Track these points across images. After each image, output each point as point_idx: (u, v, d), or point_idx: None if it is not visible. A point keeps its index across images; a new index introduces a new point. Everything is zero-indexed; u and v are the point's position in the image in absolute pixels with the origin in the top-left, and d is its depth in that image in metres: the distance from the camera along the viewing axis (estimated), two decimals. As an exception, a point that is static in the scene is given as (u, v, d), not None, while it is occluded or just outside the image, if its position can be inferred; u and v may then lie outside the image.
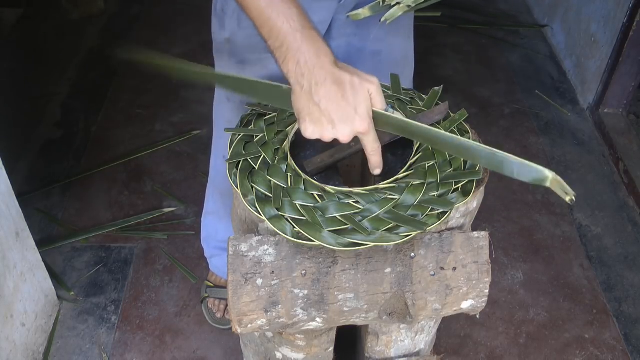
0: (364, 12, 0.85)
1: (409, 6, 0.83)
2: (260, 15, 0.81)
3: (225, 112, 1.32)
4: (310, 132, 0.81)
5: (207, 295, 1.65)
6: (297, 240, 0.82)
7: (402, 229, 0.82)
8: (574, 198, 0.69)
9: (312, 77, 0.78)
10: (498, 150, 0.74)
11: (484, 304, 0.94)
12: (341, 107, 0.78)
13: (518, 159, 0.73)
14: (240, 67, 1.18)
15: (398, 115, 0.85)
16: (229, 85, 1.01)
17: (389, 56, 1.20)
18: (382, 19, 0.86)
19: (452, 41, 2.81)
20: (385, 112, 0.82)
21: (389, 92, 1.06)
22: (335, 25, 1.12)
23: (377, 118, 0.82)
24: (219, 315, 1.63)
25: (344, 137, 0.80)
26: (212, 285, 1.66)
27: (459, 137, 0.80)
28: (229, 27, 1.15)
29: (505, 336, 1.65)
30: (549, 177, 0.70)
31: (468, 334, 1.65)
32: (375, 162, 0.88)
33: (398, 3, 0.83)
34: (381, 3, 0.84)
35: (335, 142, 1.02)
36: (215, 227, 1.56)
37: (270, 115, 0.99)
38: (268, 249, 0.86)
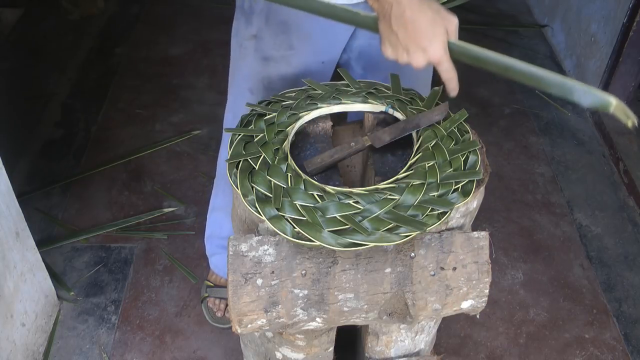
0: None
1: None
2: None
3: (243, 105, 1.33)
4: (388, 53, 0.88)
5: (207, 295, 1.65)
6: (297, 241, 0.82)
7: (402, 229, 0.82)
8: (635, 122, 0.74)
9: (396, 7, 0.84)
10: (567, 79, 0.79)
11: (484, 304, 0.94)
12: (417, 39, 0.84)
13: (585, 86, 0.77)
14: (264, 63, 1.22)
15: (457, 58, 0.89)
16: (303, 5, 1.00)
17: None
18: None
19: (452, 41, 2.80)
20: (461, 43, 0.87)
21: (388, 92, 1.06)
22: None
23: (452, 49, 0.87)
24: (219, 314, 1.63)
25: (417, 64, 0.86)
26: (212, 285, 1.66)
27: (532, 65, 0.83)
28: (257, 24, 1.18)
29: (505, 336, 1.65)
30: (613, 103, 0.74)
31: (468, 334, 1.65)
32: (452, 87, 0.91)
33: None
34: None
35: (335, 143, 1.02)
36: (220, 223, 1.56)
37: (270, 115, 0.99)
38: (268, 249, 0.86)
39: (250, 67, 1.25)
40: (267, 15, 1.16)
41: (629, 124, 0.74)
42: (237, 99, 1.34)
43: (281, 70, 1.22)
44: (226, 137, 1.42)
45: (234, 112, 1.37)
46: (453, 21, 0.87)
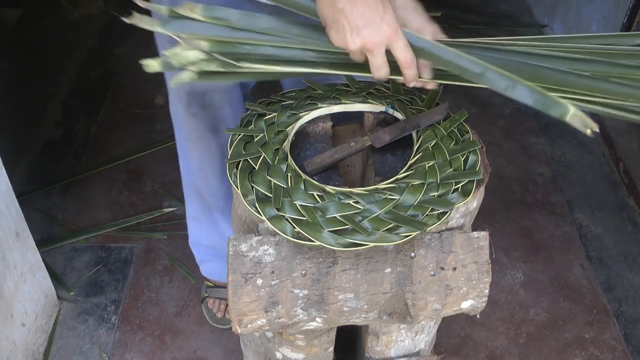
0: (153, 64, 0.78)
1: (199, 73, 0.79)
2: None
3: (180, 113, 1.29)
4: (336, 40, 0.78)
5: (207, 295, 1.65)
6: (297, 241, 0.82)
7: (402, 229, 0.82)
8: (596, 129, 0.68)
9: None
10: (525, 83, 0.74)
11: (484, 304, 0.94)
12: (366, 13, 0.74)
13: (543, 91, 0.72)
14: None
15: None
16: None
17: None
18: (172, 84, 0.83)
19: (452, 41, 2.80)
20: (409, 32, 0.78)
21: (388, 92, 1.06)
22: None
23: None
24: (219, 315, 1.63)
25: (371, 44, 0.76)
26: (212, 285, 1.65)
27: (490, 66, 0.76)
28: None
29: (505, 336, 1.65)
30: (570, 111, 0.69)
31: (468, 334, 1.65)
32: (411, 75, 0.81)
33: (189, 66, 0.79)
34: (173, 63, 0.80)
35: (335, 143, 1.02)
36: (198, 232, 1.55)
37: (270, 115, 0.99)
38: (268, 249, 0.86)
39: (173, 73, 1.21)
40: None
41: (588, 133, 0.69)
42: (173, 109, 1.31)
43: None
44: (181, 148, 1.39)
45: (175, 125, 1.34)
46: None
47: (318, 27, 0.81)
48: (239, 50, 0.79)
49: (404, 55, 0.78)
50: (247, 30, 0.79)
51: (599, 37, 0.84)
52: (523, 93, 0.74)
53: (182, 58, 0.78)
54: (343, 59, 0.83)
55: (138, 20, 0.75)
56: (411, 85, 0.84)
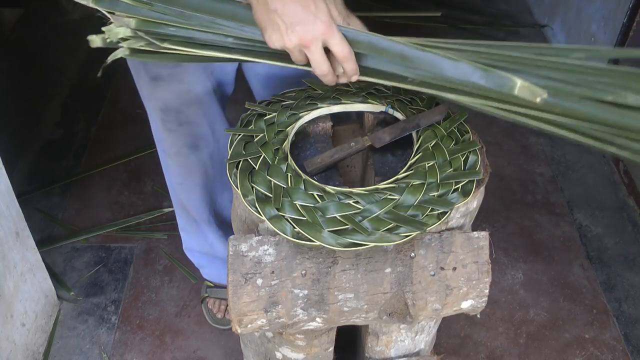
0: (95, 39, 0.84)
1: (131, 50, 0.84)
2: None
3: (158, 128, 1.28)
4: (273, 41, 0.78)
5: (207, 295, 1.65)
6: (297, 241, 0.82)
7: (402, 229, 0.82)
8: (545, 95, 0.69)
9: None
10: (466, 61, 0.74)
11: (484, 304, 0.94)
12: (298, 11, 0.76)
13: (486, 68, 0.72)
14: (154, 83, 1.15)
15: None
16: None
17: None
18: (108, 60, 0.86)
19: (452, 41, 2.80)
20: (344, 26, 0.79)
21: (388, 92, 1.06)
22: None
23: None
24: (219, 315, 1.63)
25: (307, 40, 0.77)
26: (212, 285, 1.65)
27: (430, 51, 0.76)
28: None
29: (505, 336, 1.65)
30: (517, 84, 0.69)
31: (468, 334, 1.65)
32: (351, 69, 0.81)
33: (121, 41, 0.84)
34: (107, 39, 0.85)
35: (335, 143, 1.02)
36: (189, 241, 1.56)
37: (270, 115, 0.99)
38: (268, 249, 0.86)
39: (146, 89, 1.19)
40: None
41: (537, 101, 0.69)
42: (152, 124, 1.30)
43: (175, 90, 1.14)
44: (162, 162, 1.37)
45: (155, 139, 1.33)
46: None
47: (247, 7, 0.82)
48: (163, 30, 0.83)
49: (341, 49, 0.78)
50: (176, 13, 0.83)
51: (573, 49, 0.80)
52: (467, 71, 0.74)
53: (113, 34, 0.83)
54: (263, 47, 0.84)
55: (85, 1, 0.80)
56: (354, 79, 0.83)
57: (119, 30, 0.83)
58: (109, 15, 0.82)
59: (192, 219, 1.45)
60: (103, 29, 0.83)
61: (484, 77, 0.73)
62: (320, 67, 0.81)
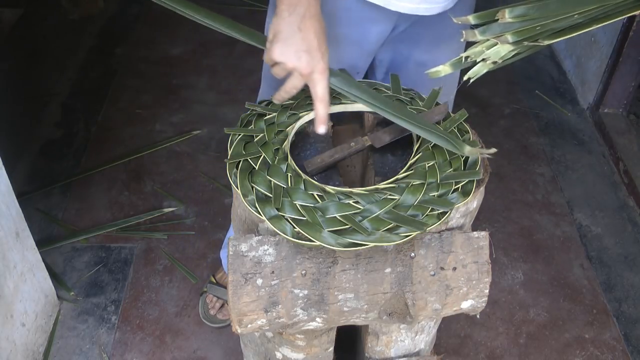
0: (444, 69, 0.85)
1: (494, 62, 0.83)
2: None
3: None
4: (278, 53, 0.86)
5: (205, 290, 1.66)
6: (297, 240, 0.82)
7: (402, 229, 0.82)
8: (493, 151, 0.86)
9: (314, 5, 0.84)
10: (431, 127, 0.90)
11: (484, 304, 0.94)
12: (313, 45, 0.85)
13: (447, 136, 0.89)
14: None
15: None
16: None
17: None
18: (466, 77, 0.86)
19: (452, 41, 2.80)
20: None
21: (388, 92, 1.06)
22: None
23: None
24: (212, 312, 1.63)
25: (304, 70, 0.86)
26: (214, 282, 1.66)
27: (406, 110, 0.91)
28: None
29: (505, 336, 1.65)
30: (466, 151, 0.88)
31: (468, 334, 1.65)
32: (322, 114, 0.90)
33: (484, 59, 0.83)
34: (463, 59, 0.84)
35: (335, 143, 1.02)
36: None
37: (270, 115, 0.99)
38: (268, 249, 0.86)
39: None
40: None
41: (488, 155, 0.85)
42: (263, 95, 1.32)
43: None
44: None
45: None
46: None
47: None
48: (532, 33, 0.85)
49: (323, 93, 0.88)
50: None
51: None
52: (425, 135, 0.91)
53: (478, 54, 0.85)
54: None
55: (471, 36, 0.81)
56: (320, 131, 0.91)
57: (499, 50, 0.82)
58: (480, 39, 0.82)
59: None
60: (465, 54, 0.83)
61: (444, 142, 0.90)
62: (292, 91, 0.91)
